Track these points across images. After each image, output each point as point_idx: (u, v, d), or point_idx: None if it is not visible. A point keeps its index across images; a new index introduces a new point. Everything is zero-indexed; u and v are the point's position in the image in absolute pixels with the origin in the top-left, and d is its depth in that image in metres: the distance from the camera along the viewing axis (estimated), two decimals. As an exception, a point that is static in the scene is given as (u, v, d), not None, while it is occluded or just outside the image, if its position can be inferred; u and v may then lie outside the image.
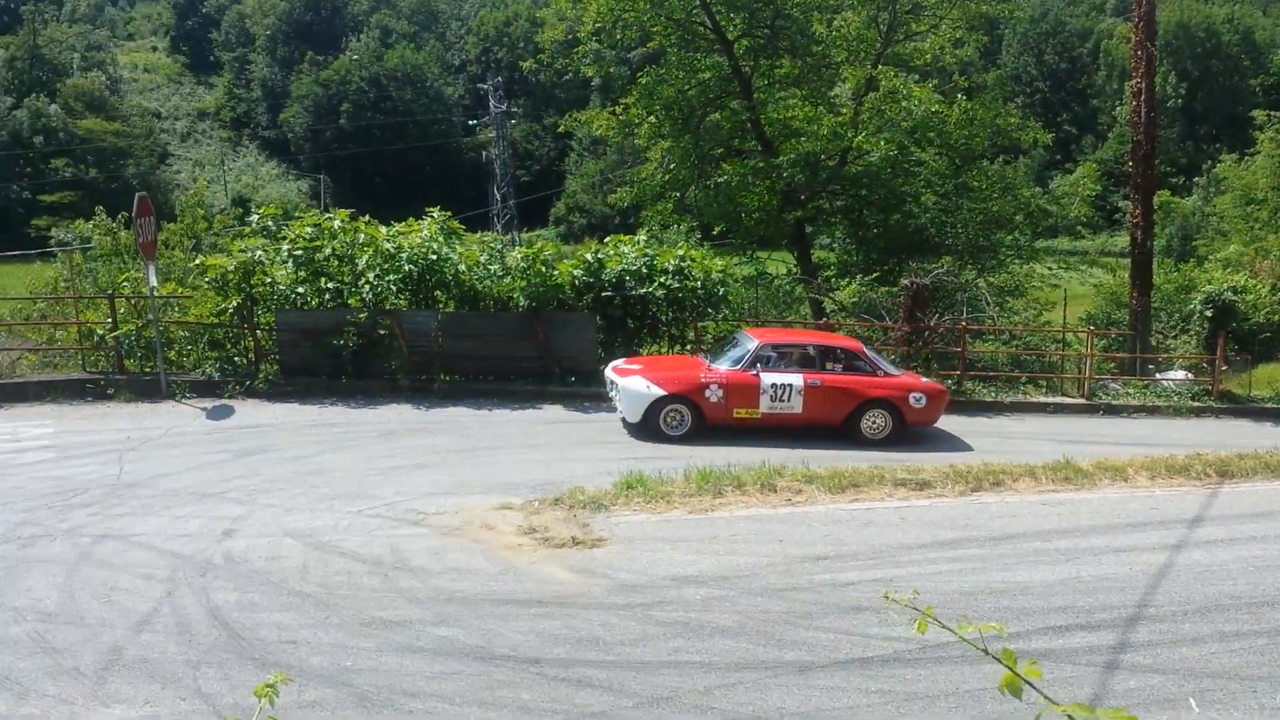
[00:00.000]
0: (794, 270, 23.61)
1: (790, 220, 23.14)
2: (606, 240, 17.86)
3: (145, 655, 6.30)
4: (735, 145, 24.95)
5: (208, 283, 16.24)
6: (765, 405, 13.30)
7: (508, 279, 16.52)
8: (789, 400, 13.31)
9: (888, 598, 2.70)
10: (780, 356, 13.62)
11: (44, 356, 16.82)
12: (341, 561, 8.00)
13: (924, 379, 14.81)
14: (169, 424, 13.16)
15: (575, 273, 16.66)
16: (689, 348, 17.59)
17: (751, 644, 6.65)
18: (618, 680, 6.03)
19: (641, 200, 25.41)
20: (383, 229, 17.07)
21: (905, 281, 18.39)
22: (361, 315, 15.43)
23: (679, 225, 26.08)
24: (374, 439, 12.52)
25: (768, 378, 13.30)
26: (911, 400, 13.77)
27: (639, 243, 17.42)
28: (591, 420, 14.26)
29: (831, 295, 21.08)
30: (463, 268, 16.46)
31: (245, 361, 16.03)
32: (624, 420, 13.68)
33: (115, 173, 79.10)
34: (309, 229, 16.47)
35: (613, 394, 13.96)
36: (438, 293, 16.61)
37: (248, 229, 17.77)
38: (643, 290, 16.48)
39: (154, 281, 15.01)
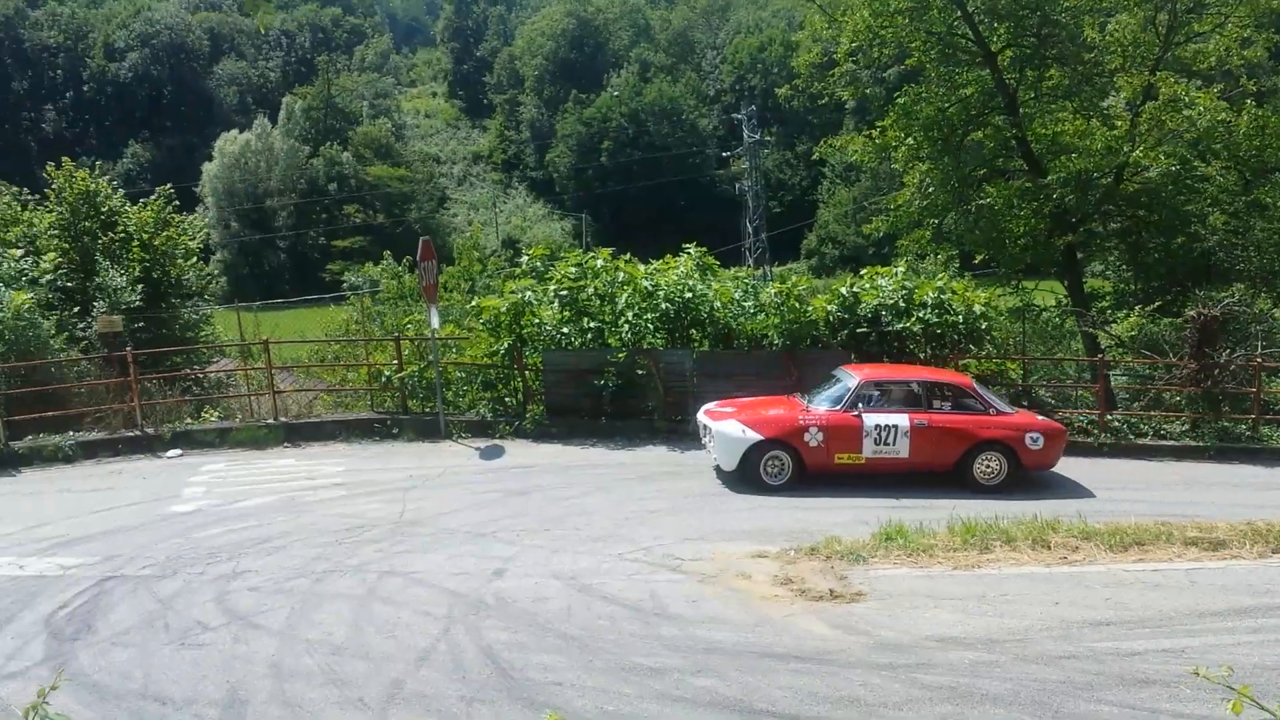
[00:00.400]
0: (1064, 301, 22.21)
1: (1059, 246, 21.81)
2: (862, 273, 17.55)
3: (423, 690, 6.67)
4: (999, 165, 23.83)
5: (482, 324, 17.20)
6: (869, 449, 12.42)
7: (761, 316, 16.54)
8: (894, 443, 12.41)
9: (1199, 674, 2.47)
10: (883, 395, 12.79)
11: (337, 397, 18.34)
12: (603, 605, 8.22)
13: (1040, 417, 13.56)
14: (446, 463, 14.02)
15: (830, 308, 16.46)
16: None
17: (1025, 714, 6.28)
18: (880, 744, 5.86)
19: (897, 228, 24.71)
20: (641, 267, 17.52)
21: (1191, 313, 16.92)
22: (621, 355, 15.85)
23: (937, 254, 25.19)
24: (632, 481, 12.83)
25: (871, 419, 12.43)
26: (1028, 441, 12.68)
27: (896, 274, 17.00)
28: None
29: (1107, 329, 19.72)
30: (717, 305, 16.61)
31: (515, 402, 16.83)
32: (717, 469, 13.06)
33: (399, 217, 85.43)
34: (573, 268, 17.13)
35: (705, 440, 13.23)
36: (693, 331, 16.83)
37: (518, 270, 18.70)
38: (900, 325, 16.06)
39: (435, 324, 16.01)
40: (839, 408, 12.52)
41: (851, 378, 12.93)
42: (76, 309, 19.69)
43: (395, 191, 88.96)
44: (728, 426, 12.51)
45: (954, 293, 16.57)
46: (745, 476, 12.40)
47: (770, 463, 12.37)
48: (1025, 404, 16.70)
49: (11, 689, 6.74)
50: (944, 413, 12.67)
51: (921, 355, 16.54)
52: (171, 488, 13.13)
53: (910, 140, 23.43)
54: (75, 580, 9.29)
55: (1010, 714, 6.27)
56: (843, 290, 16.66)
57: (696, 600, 8.29)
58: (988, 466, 12.67)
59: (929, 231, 23.99)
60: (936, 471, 12.66)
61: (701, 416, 13.44)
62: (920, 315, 16.01)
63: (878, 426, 12.37)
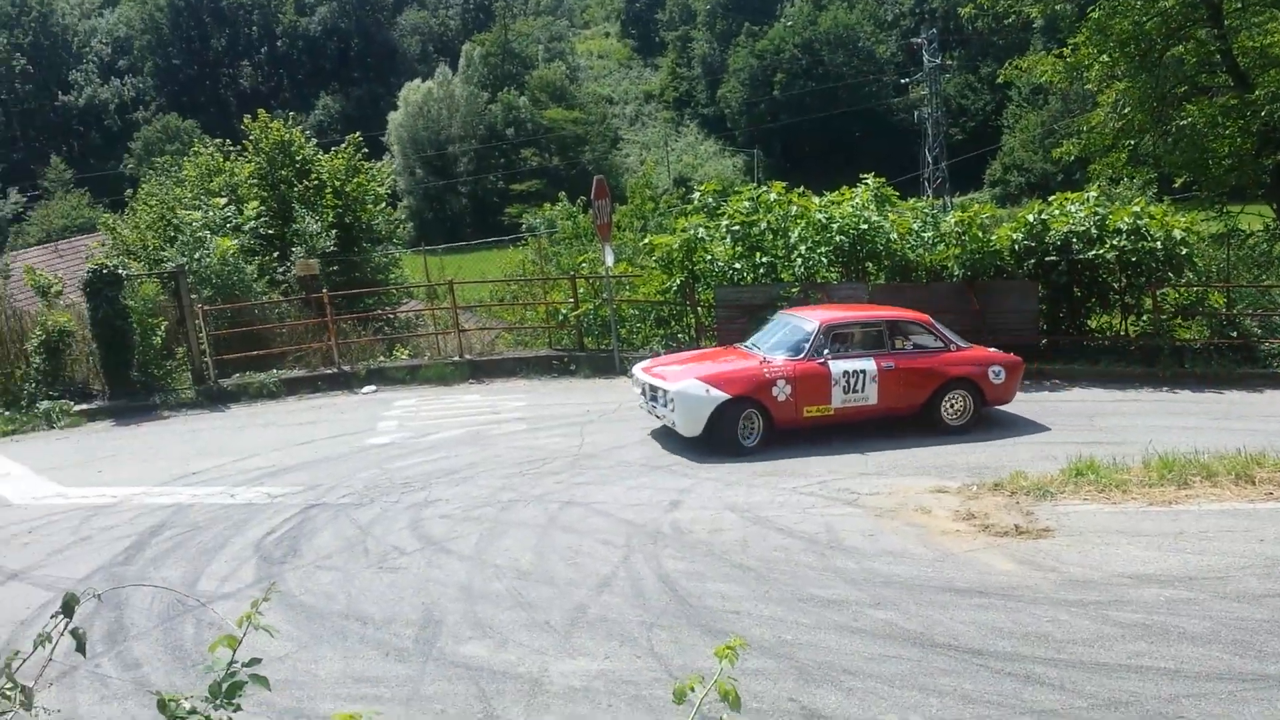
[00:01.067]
0: (1273, 225, 20.60)
1: (1268, 166, 20.21)
2: (1051, 199, 16.74)
3: (605, 615, 6.86)
4: (1201, 82, 22.14)
5: (654, 261, 17.34)
6: (838, 399, 11.35)
7: (941, 246, 16.05)
8: (863, 390, 11.40)
9: None
10: (845, 338, 11.70)
11: (516, 335, 18.91)
12: (778, 537, 8.24)
13: (993, 349, 12.51)
14: (621, 399, 14.26)
15: (1015, 236, 15.79)
16: (1144, 318, 16.01)
17: (1225, 653, 5.98)
18: (1070, 680, 5.67)
19: (1089, 152, 23.39)
20: (815, 199, 17.26)
21: None
22: (793, 289, 15.70)
23: (1133, 179, 23.71)
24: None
25: (838, 365, 11.35)
26: (991, 375, 11.88)
27: (1088, 200, 16.13)
28: (1030, 399, 13.49)
29: (1322, 254, 18.20)
30: (894, 236, 16.20)
31: (686, 338, 16.95)
32: (657, 434, 11.99)
33: (574, 160, 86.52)
34: (745, 203, 17.03)
35: (652, 404, 11.74)
36: (869, 264, 16.50)
37: (690, 207, 18.73)
38: (1091, 253, 15.26)
39: (610, 262, 16.24)
40: (802, 356, 11.42)
41: (808, 322, 11.85)
42: (276, 254, 20.81)
43: (570, 134, 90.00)
44: (689, 386, 11.07)
45: (1151, 218, 15.59)
46: (713, 440, 11.11)
47: (744, 422, 11.21)
48: (1234, 334, 15.71)
49: (226, 608, 7.29)
50: (909, 353, 11.87)
51: (1115, 285, 15.72)
52: (367, 422, 13.87)
53: (1104, 58, 22.05)
54: (281, 508, 9.96)
55: (1208, 652, 5.98)
56: (1029, 217, 15.93)
57: (874, 534, 8.21)
58: (954, 406, 11.91)
59: (1124, 154, 22.61)
60: (902, 415, 11.87)
61: (642, 375, 12.03)
62: (1114, 242, 15.14)
63: (846, 373, 11.38)
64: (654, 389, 11.55)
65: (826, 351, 11.46)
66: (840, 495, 9.35)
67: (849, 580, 7.26)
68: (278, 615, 6.94)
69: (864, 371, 11.43)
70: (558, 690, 5.80)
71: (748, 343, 12.54)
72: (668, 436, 11.90)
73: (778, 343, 11.91)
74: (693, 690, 2.20)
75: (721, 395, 10.94)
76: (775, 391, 11.16)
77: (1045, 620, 6.44)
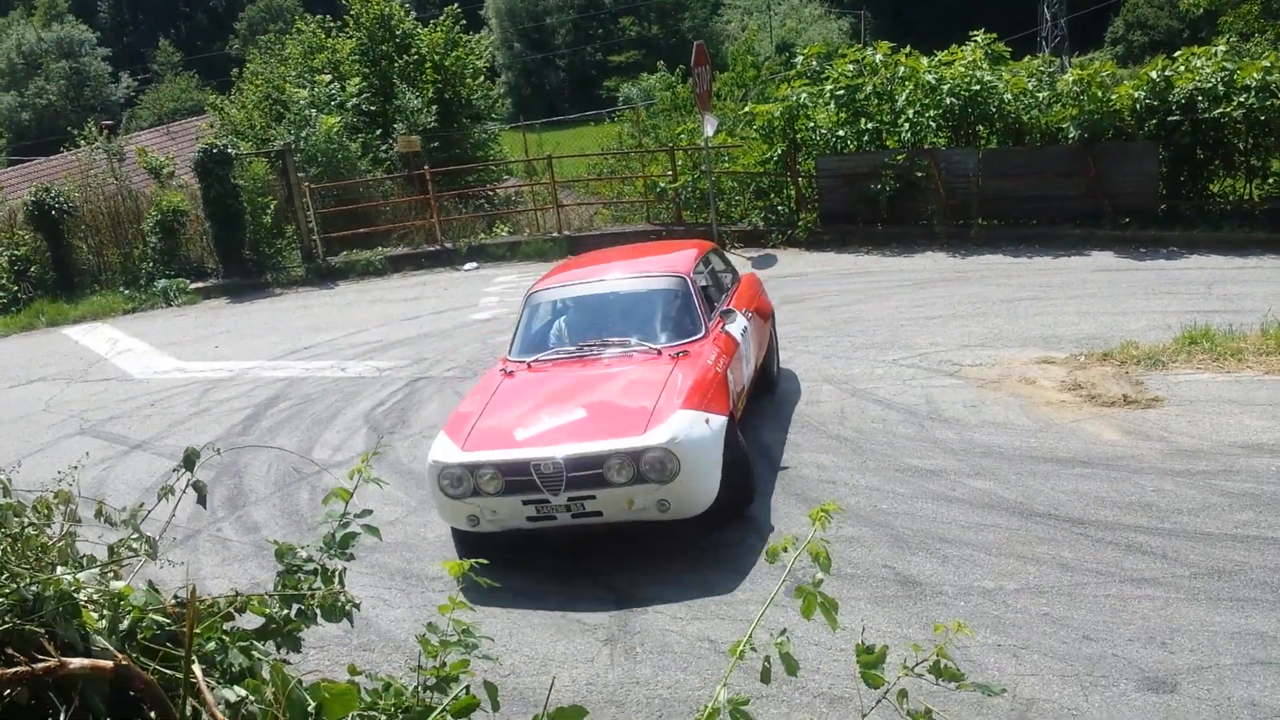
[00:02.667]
0: None
1: None
2: (1176, 55, 15.76)
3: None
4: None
5: (755, 131, 16.99)
6: (745, 375, 7.64)
7: (1057, 107, 15.32)
8: (749, 354, 7.79)
9: None
10: (706, 291, 7.91)
11: (615, 210, 18.83)
12: (877, 409, 8.21)
13: None
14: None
15: (1136, 95, 14.93)
16: (1270, 181, 15.04)
17: (1339, 524, 5.81)
18: (1172, 549, 5.59)
19: (1219, 4, 21.92)
20: (923, 60, 16.59)
21: None
22: (899, 157, 15.25)
23: (1265, 33, 22.10)
24: (908, 288, 12.49)
25: (733, 329, 7.53)
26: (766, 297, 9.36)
27: (1215, 55, 15.13)
28: (1146, 267, 12.94)
29: None
30: (1008, 97, 15.51)
31: (787, 209, 16.64)
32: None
33: (673, 28, 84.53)
34: (850, 66, 16.50)
35: (577, 499, 5.87)
36: (979, 127, 15.87)
37: (792, 73, 18.21)
38: (1217, 112, 14.37)
39: (709, 131, 15.93)
40: (704, 333, 7.26)
41: (669, 278, 7.81)
42: (378, 130, 20.98)
43: (669, 1, 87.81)
44: (688, 423, 6.02)
45: (1284, 74, 14.55)
46: (721, 502, 6.17)
47: None
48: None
49: (339, 475, 7.65)
50: (736, 292, 8.67)
51: (1241, 146, 14.85)
52: (469, 298, 14.12)
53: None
54: (389, 381, 10.32)
55: (1320, 523, 5.82)
56: (1152, 74, 14.99)
57: (975, 405, 8.10)
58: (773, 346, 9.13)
59: (1257, 6, 21.11)
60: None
61: (504, 456, 6.03)
62: (1241, 100, 14.20)
63: (743, 333, 7.71)
64: (581, 463, 5.90)
65: (719, 313, 7.69)
66: (941, 367, 9.21)
67: (948, 451, 7.22)
68: (388, 481, 7.25)
69: (746, 329, 7.83)
70: (656, 551, 5.96)
71: (551, 348, 7.64)
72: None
73: (638, 326, 7.49)
74: (785, 551, 2.23)
75: (720, 419, 6.35)
76: (732, 390, 7.07)
77: (1150, 490, 6.32)
